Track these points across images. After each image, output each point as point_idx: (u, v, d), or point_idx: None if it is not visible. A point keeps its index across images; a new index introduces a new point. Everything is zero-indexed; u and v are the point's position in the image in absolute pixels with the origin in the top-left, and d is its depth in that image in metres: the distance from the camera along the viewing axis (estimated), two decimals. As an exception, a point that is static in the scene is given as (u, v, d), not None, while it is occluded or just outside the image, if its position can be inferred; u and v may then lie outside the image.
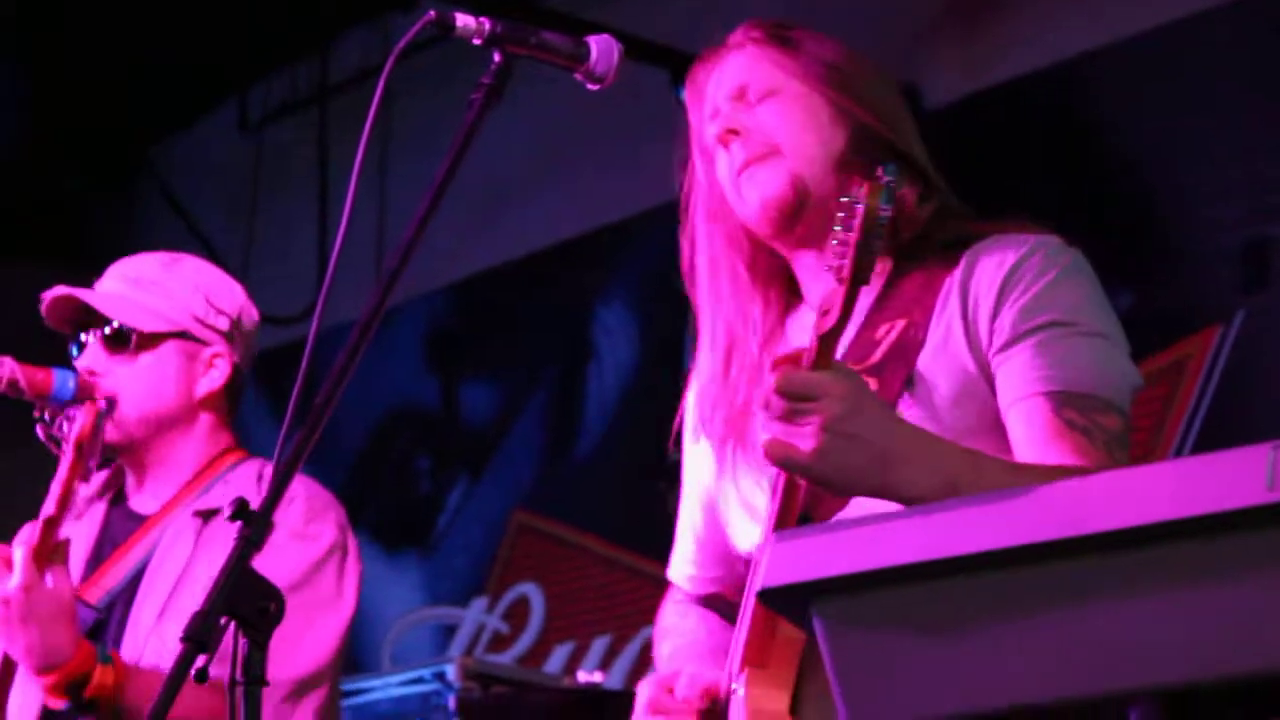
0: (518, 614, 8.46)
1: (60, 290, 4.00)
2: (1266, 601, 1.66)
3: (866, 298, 2.96)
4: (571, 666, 7.87)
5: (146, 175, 10.20)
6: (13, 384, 3.94)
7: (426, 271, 8.42)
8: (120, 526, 4.07)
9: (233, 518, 2.79)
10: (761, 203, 3.05)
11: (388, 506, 8.77)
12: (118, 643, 3.79)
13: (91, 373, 3.92)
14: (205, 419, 4.08)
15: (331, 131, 9.46)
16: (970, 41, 7.25)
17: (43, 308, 4.03)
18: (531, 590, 8.42)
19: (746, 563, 3.16)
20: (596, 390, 8.49)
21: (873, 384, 2.83)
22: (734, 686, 2.85)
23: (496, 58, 2.95)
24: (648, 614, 7.93)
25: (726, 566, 3.28)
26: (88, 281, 4.15)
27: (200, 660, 2.59)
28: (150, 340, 4.00)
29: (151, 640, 3.79)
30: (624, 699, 6.37)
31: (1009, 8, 7.21)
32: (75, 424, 3.78)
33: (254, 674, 2.63)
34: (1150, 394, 6.51)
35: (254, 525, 2.71)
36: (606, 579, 8.15)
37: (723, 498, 3.21)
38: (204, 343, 4.04)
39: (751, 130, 3.06)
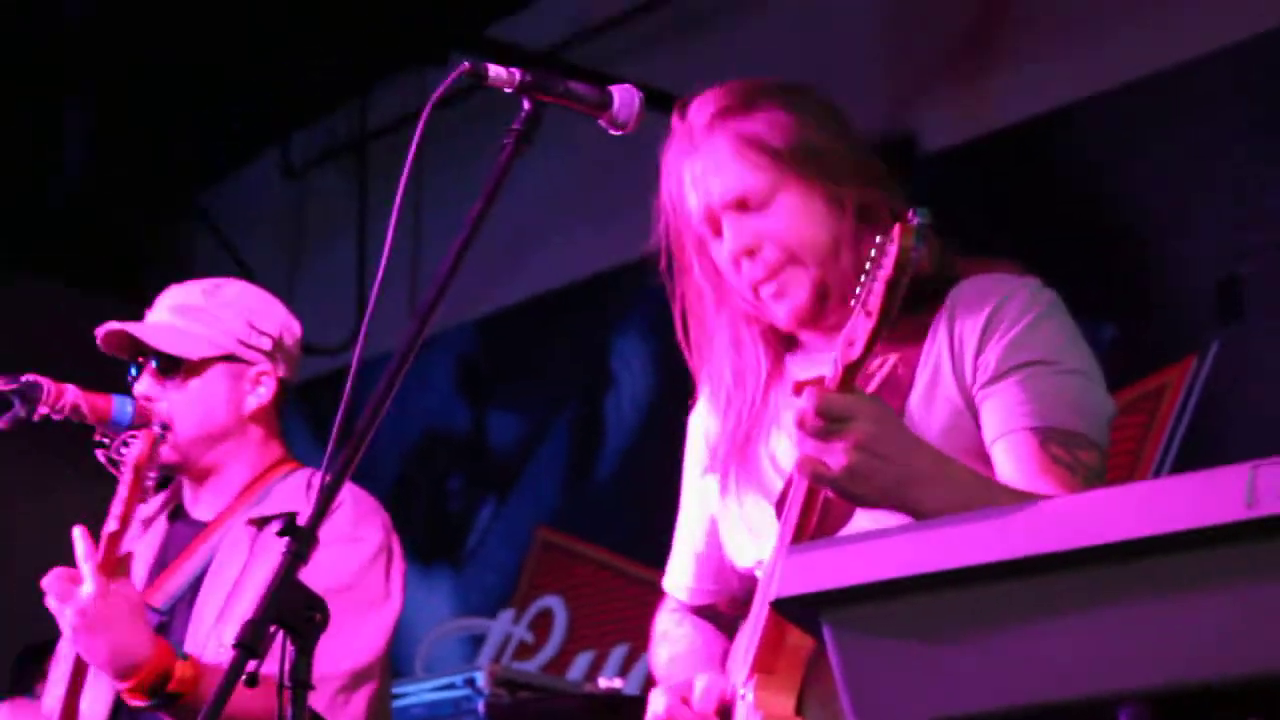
0: (542, 625, 8.46)
1: (112, 326, 4.01)
2: (1246, 610, 1.66)
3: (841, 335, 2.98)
4: (592, 674, 7.86)
5: (197, 216, 10.21)
6: (75, 409, 3.95)
7: (458, 307, 8.43)
8: (180, 536, 4.07)
9: (282, 533, 2.81)
10: (791, 313, 3.04)
11: (422, 524, 8.78)
12: (180, 644, 3.79)
13: (147, 399, 3.92)
14: (255, 432, 4.08)
15: (370, 176, 9.48)
16: (965, 91, 7.25)
17: (98, 339, 4.04)
18: (555, 603, 8.42)
19: (743, 578, 3.16)
20: (615, 417, 8.49)
21: None
22: (742, 691, 2.86)
23: (526, 105, 2.95)
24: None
25: (722, 582, 3.27)
26: (139, 312, 4.15)
27: (251, 665, 2.59)
28: (198, 366, 4.01)
29: (211, 641, 3.78)
30: (641, 704, 6.34)
31: (1002, 60, 7.22)
32: (133, 449, 3.79)
33: (300, 678, 2.63)
34: (1131, 419, 6.51)
35: (301, 540, 2.71)
36: (624, 592, 8.14)
37: (725, 520, 3.20)
38: (249, 363, 4.05)
39: (764, 243, 3.02)
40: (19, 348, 5.06)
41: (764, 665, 2.81)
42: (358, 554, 3.88)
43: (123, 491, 3.75)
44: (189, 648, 3.78)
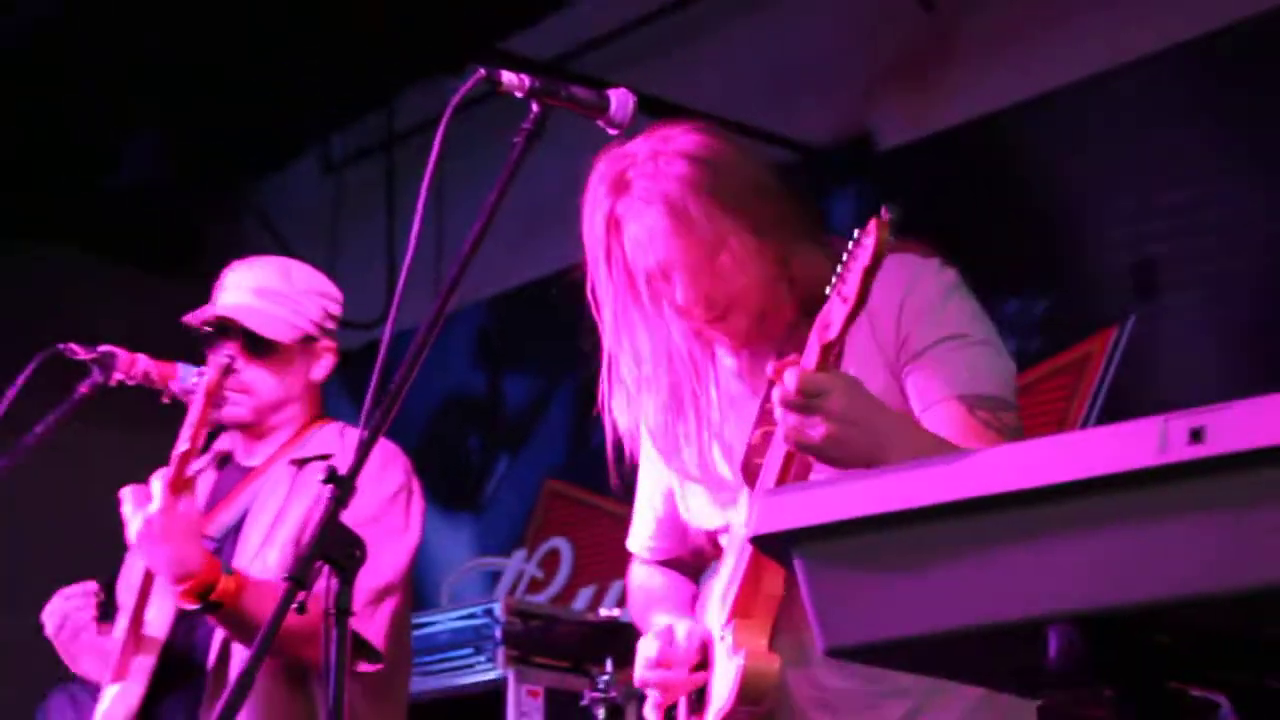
0: (550, 563, 8.47)
1: (215, 311, 4.02)
2: (1158, 543, 1.67)
3: (779, 329, 3.02)
4: (594, 605, 7.87)
5: (247, 206, 10.20)
6: (146, 375, 3.97)
7: (475, 285, 8.42)
8: (228, 479, 4.13)
9: (326, 481, 2.82)
10: (735, 339, 3.05)
11: (445, 476, 8.77)
12: (228, 564, 3.83)
13: (232, 367, 3.93)
14: (311, 395, 4.12)
15: (398, 172, 9.47)
16: (916, 94, 7.25)
17: (189, 316, 4.03)
18: (562, 544, 8.43)
19: (708, 536, 3.16)
20: (614, 381, 8.48)
21: None
22: (721, 634, 2.87)
23: (534, 108, 2.96)
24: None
25: (680, 539, 3.27)
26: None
27: (300, 596, 2.62)
28: (283, 346, 4.04)
29: (255, 563, 3.82)
30: (636, 630, 6.36)
31: (949, 66, 7.21)
32: (205, 376, 3.82)
33: (343, 606, 2.65)
34: (1060, 381, 6.53)
35: (342, 487, 2.73)
36: (621, 535, 8.14)
37: (683, 490, 3.20)
38: (319, 339, 4.09)
39: (703, 306, 2.98)
40: (87, 322, 5.04)
41: (741, 611, 2.83)
42: (382, 491, 3.92)
43: (194, 415, 3.79)
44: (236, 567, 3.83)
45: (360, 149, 9.82)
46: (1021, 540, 1.74)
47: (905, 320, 2.89)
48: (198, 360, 4.03)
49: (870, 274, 2.58)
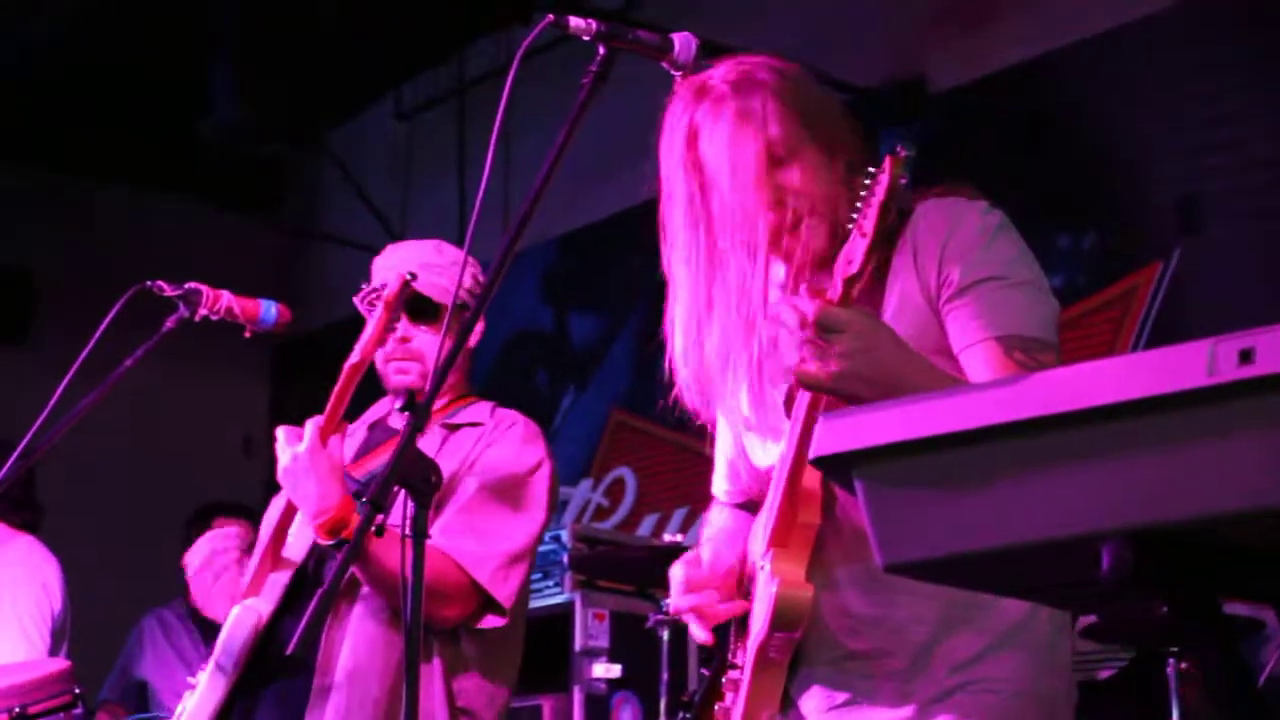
0: (615, 491, 8.50)
1: (400, 283, 3.91)
2: (1208, 461, 1.66)
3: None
4: (657, 531, 7.90)
5: (326, 152, 10.24)
6: (229, 311, 3.99)
7: (543, 225, 8.44)
8: (378, 436, 4.14)
9: (403, 409, 2.85)
10: (813, 254, 2.95)
11: (514, 408, 8.80)
12: None
13: (405, 337, 3.97)
14: (465, 364, 4.20)
15: (468, 118, 9.49)
16: (968, 38, 7.21)
17: (391, 287, 3.91)
18: (626, 473, 8.46)
19: (762, 477, 3.15)
20: (674, 318, 8.50)
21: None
22: (761, 563, 2.87)
23: (601, 50, 2.95)
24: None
25: (753, 482, 3.26)
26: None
27: (379, 519, 2.64)
28: (445, 312, 4.03)
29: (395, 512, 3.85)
30: (700, 555, 6.37)
31: (1001, 9, 7.18)
32: (388, 288, 3.83)
33: (420, 529, 2.67)
34: (1108, 314, 6.52)
35: (419, 415, 2.74)
36: (684, 463, 8.16)
37: (746, 431, 3.17)
38: (469, 307, 4.04)
39: (787, 196, 2.92)
40: (177, 258, 5.09)
41: (779, 541, 2.82)
42: (521, 465, 3.96)
43: (371, 327, 3.82)
44: None
45: (432, 96, 9.85)
46: (1075, 459, 1.73)
47: (948, 260, 2.84)
48: (278, 298, 4.06)
49: (886, 208, 2.57)
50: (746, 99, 2.94)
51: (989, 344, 2.77)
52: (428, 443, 3.96)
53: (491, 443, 3.98)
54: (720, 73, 3.00)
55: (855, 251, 2.62)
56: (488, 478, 3.90)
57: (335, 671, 3.74)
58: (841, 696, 2.88)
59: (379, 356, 4.01)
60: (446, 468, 3.87)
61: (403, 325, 3.98)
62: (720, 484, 3.33)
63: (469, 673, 3.89)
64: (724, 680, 2.97)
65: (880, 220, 2.58)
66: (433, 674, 3.80)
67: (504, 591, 3.81)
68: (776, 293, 2.99)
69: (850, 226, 2.63)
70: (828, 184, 2.90)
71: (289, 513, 3.87)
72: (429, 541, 2.70)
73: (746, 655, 2.89)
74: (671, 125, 3.05)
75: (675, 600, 3.03)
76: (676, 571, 3.04)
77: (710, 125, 2.97)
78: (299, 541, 3.90)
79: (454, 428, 4.02)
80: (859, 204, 2.62)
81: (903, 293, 2.88)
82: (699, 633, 3.01)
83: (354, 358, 3.78)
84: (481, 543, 3.82)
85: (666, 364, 3.18)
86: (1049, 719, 2.83)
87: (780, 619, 2.79)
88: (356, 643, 3.77)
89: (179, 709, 3.93)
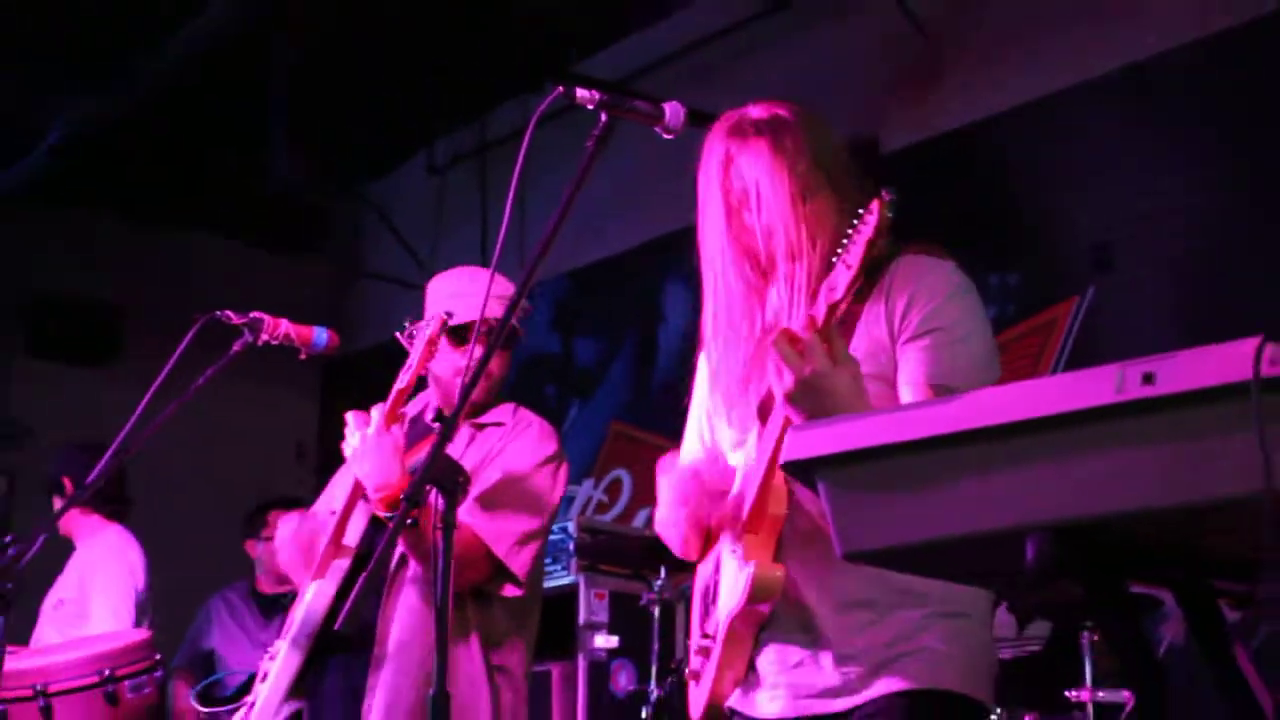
0: (614, 490, 8.49)
1: (439, 324, 3.92)
2: (1116, 466, 1.67)
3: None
4: (650, 523, 7.89)
5: (367, 200, 10.24)
6: (287, 337, 3.99)
7: (554, 263, 8.44)
8: (417, 432, 4.10)
9: (435, 420, 2.85)
10: (809, 279, 2.88)
11: (528, 419, 8.80)
12: None
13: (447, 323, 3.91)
14: (494, 384, 4.11)
15: (489, 173, 9.49)
16: (914, 105, 7.22)
17: (451, 314, 3.94)
18: (623, 474, 8.44)
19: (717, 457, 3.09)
20: (664, 342, 8.50)
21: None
22: (732, 548, 2.86)
23: (603, 118, 2.95)
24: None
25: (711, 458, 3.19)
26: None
27: (414, 513, 2.64)
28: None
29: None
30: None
31: (943, 82, 7.19)
32: (429, 327, 3.84)
33: (449, 521, 2.67)
34: (1031, 342, 6.53)
35: (448, 425, 2.74)
36: (673, 466, 8.18)
37: (719, 424, 3.13)
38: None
39: (799, 227, 2.88)
40: (241, 293, 5.08)
41: (751, 528, 2.81)
42: (538, 457, 3.97)
43: (413, 360, 3.82)
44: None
45: (459, 154, 9.84)
46: (1005, 465, 1.74)
47: (912, 306, 2.82)
48: (327, 326, 4.07)
49: (871, 244, 2.53)
50: (772, 133, 2.93)
51: (925, 390, 2.74)
52: (458, 439, 3.97)
53: (513, 439, 3.98)
54: (755, 111, 3.00)
55: (839, 280, 2.59)
56: (508, 468, 3.91)
57: (388, 642, 3.75)
58: (796, 656, 2.86)
59: (447, 373, 4.01)
60: (472, 460, 3.89)
61: (455, 352, 3.98)
62: (686, 457, 3.23)
63: (503, 637, 3.90)
64: (695, 648, 2.96)
65: (865, 255, 2.55)
66: (471, 641, 3.81)
67: (517, 563, 3.82)
68: (772, 310, 2.95)
69: (835, 260, 2.62)
70: (831, 226, 2.85)
71: (349, 506, 3.87)
72: (402, 499, 2.68)
73: (718, 627, 2.88)
74: (708, 153, 3.00)
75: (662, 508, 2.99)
76: (667, 472, 3.00)
77: (740, 153, 2.94)
78: (356, 524, 3.90)
79: (481, 426, 4.03)
80: (846, 240, 2.60)
81: (871, 330, 2.85)
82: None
83: (400, 383, 3.79)
84: (499, 522, 3.82)
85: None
86: (975, 682, 2.82)
87: (756, 595, 2.77)
88: (404, 617, 3.77)
89: (261, 669, 3.93)
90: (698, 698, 2.93)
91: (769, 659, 2.89)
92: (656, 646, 5.58)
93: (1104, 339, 6.29)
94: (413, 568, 3.79)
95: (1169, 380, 1.63)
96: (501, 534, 3.82)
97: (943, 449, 1.78)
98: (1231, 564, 1.86)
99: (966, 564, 1.98)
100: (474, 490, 3.84)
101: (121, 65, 7.88)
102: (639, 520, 8.07)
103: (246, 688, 5.50)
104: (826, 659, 2.82)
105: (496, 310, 3.91)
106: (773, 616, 2.86)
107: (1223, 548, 1.80)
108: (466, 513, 3.76)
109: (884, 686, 2.75)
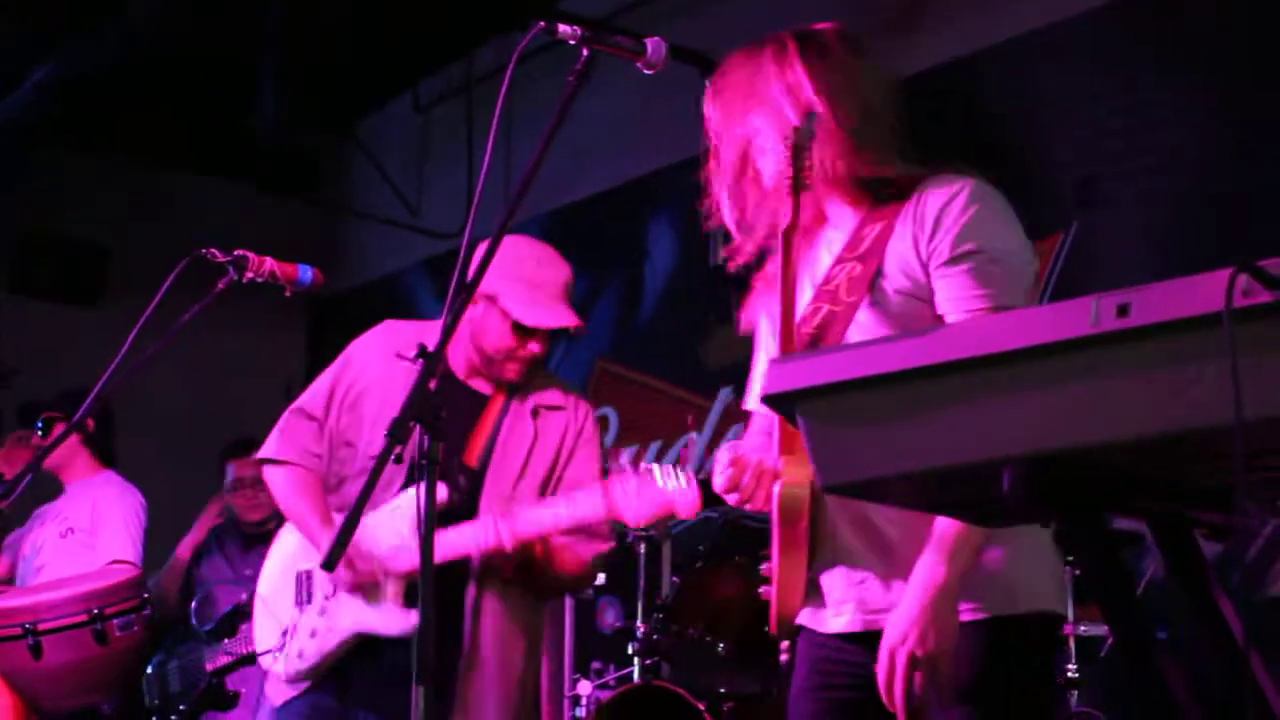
0: (601, 427, 8.51)
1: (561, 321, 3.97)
2: (1092, 398, 1.68)
3: (858, 214, 2.94)
4: (636, 460, 7.90)
5: (354, 139, 10.22)
6: (272, 274, 3.97)
7: (537, 201, 8.43)
8: (464, 396, 4.03)
9: (416, 357, 2.85)
10: (817, 216, 3.01)
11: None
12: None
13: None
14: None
15: (475, 110, 9.47)
16: (897, 43, 7.20)
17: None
18: (609, 412, 8.46)
19: None
20: (650, 280, 8.50)
21: (859, 267, 2.84)
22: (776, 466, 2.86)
23: (584, 53, 2.95)
24: (684, 426, 7.93)
25: None
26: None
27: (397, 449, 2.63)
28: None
29: (497, 503, 3.84)
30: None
31: (923, 19, 7.17)
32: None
33: (432, 456, 2.66)
34: (1016, 278, 6.55)
35: (431, 360, 2.74)
36: (657, 403, 8.19)
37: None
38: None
39: (790, 167, 2.90)
40: (228, 232, 5.08)
41: (785, 449, 2.81)
42: (597, 455, 4.03)
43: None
44: (484, 508, 3.83)
45: (445, 91, 9.81)
46: (982, 396, 1.74)
47: (939, 230, 2.81)
48: (313, 265, 4.06)
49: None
50: (783, 65, 3.01)
51: (964, 314, 2.74)
52: (520, 418, 3.93)
53: (585, 442, 4.00)
54: (770, 39, 3.07)
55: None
56: (588, 475, 3.89)
57: (483, 647, 3.74)
58: (860, 575, 2.88)
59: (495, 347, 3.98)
60: (548, 446, 3.86)
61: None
62: (752, 402, 3.24)
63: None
64: (761, 568, 2.96)
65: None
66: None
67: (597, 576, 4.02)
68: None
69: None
70: (842, 155, 2.91)
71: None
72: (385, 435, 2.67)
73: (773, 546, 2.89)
74: (722, 78, 3.12)
75: (717, 478, 2.97)
76: (722, 455, 2.98)
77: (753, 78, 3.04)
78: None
79: (536, 411, 3.99)
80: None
81: (897, 249, 2.85)
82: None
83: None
84: (594, 539, 3.88)
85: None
86: (1045, 596, 2.84)
87: (784, 516, 2.78)
88: (493, 622, 3.77)
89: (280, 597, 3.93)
90: (770, 613, 2.94)
91: (836, 578, 2.92)
92: (642, 584, 5.61)
93: (1088, 274, 6.31)
94: (492, 590, 3.79)
95: (1143, 312, 1.63)
96: (596, 549, 3.86)
97: (920, 381, 1.78)
98: (1206, 495, 1.87)
99: (943, 496, 1.98)
100: (563, 488, 3.82)
101: (110, 4, 7.84)
102: (624, 457, 8.09)
103: (233, 615, 5.52)
104: (893, 576, 2.83)
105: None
106: (837, 534, 2.87)
107: (1197, 478, 1.81)
108: (557, 519, 3.75)
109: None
